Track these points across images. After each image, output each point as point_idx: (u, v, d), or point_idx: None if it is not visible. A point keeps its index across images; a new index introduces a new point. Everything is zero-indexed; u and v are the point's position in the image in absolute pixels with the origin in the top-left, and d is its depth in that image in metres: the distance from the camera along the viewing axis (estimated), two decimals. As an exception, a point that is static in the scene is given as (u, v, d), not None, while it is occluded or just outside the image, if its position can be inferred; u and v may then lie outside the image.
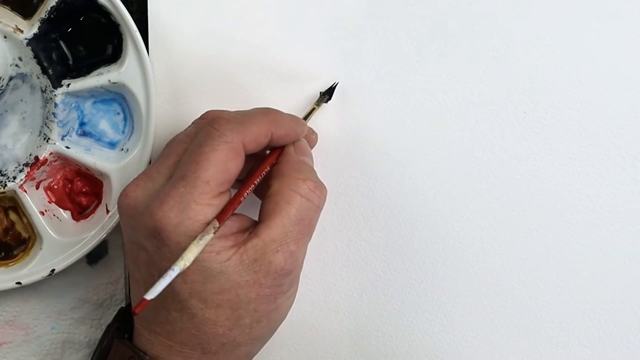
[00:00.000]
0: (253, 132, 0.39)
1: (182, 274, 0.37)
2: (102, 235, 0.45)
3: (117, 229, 0.46)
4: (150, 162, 0.45)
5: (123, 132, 0.46)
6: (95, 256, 0.48)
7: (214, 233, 0.36)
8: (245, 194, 0.39)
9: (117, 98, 0.46)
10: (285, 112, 0.42)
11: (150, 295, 0.35)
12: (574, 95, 0.45)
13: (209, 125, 0.39)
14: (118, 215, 0.45)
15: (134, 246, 0.39)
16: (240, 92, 0.46)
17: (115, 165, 0.45)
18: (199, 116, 0.42)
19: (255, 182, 0.40)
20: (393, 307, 0.47)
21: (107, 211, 0.46)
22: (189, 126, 0.41)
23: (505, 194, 0.45)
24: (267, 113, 0.41)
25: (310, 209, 0.39)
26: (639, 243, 0.45)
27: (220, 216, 0.37)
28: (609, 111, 0.45)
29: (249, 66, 0.46)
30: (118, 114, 0.46)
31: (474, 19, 0.45)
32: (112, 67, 0.45)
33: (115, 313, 0.44)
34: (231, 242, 0.38)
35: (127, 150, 0.46)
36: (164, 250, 0.37)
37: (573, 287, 0.46)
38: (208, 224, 0.37)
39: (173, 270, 0.35)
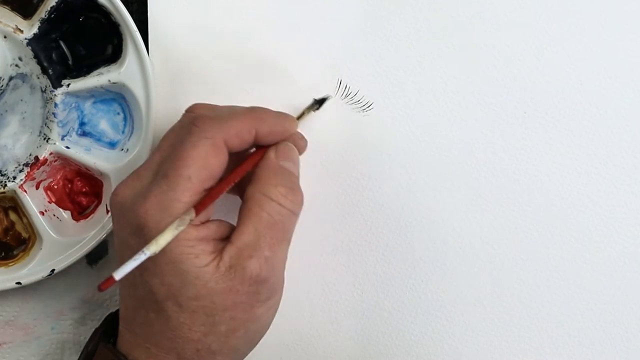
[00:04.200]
0: (235, 127, 0.39)
1: (159, 275, 0.37)
2: (102, 235, 0.45)
3: (117, 229, 0.46)
4: (150, 162, 0.46)
5: (123, 132, 0.46)
6: (95, 256, 0.48)
7: (190, 221, 0.36)
8: (226, 189, 0.38)
9: (117, 98, 0.46)
10: (276, 110, 0.41)
11: (118, 275, 0.35)
12: (574, 95, 0.45)
13: (191, 123, 0.39)
14: (118, 215, 0.45)
15: (121, 244, 0.39)
16: (241, 92, 0.46)
17: (115, 165, 0.45)
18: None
19: (237, 179, 0.39)
20: (393, 307, 0.47)
21: (107, 211, 0.46)
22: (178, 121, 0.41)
23: (505, 194, 0.45)
24: (251, 110, 0.41)
25: (282, 213, 0.38)
26: (639, 243, 0.45)
27: (198, 206, 0.37)
28: (609, 111, 0.45)
29: (250, 66, 0.46)
30: (118, 114, 0.46)
31: (474, 19, 0.45)
32: (112, 67, 0.45)
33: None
34: (211, 248, 0.37)
35: (127, 150, 0.46)
36: None
37: (573, 287, 0.46)
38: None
39: (144, 253, 0.35)
